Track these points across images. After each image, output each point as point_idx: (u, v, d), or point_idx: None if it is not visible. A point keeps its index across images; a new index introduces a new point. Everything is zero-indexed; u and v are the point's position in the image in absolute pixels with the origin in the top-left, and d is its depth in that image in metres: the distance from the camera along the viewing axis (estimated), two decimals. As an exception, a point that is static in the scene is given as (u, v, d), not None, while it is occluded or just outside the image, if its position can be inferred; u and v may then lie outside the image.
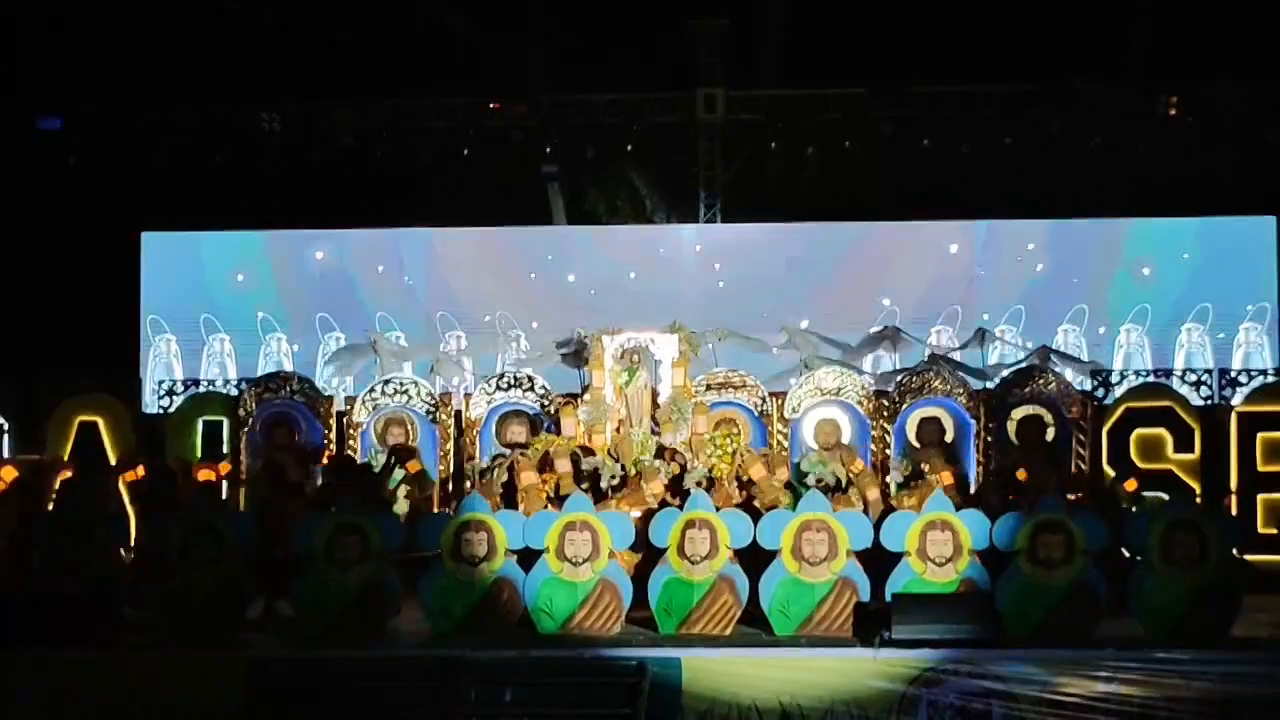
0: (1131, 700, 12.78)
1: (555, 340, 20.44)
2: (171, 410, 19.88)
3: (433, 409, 18.79)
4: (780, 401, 18.59)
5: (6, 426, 19.50)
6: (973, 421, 18.00)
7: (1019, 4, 24.30)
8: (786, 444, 18.27)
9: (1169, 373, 22.68)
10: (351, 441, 18.77)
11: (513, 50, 25.07)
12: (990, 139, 23.73)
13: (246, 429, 18.85)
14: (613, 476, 16.45)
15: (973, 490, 17.33)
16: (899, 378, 18.88)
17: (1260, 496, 17.81)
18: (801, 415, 18.23)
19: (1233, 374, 21.88)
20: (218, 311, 24.91)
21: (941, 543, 14.23)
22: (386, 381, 19.20)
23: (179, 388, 22.95)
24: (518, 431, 18.25)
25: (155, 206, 24.54)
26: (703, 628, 14.23)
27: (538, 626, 14.28)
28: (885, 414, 18.24)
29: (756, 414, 18.52)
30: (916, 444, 17.74)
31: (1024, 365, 20.07)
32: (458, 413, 19.00)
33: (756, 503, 16.06)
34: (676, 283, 24.33)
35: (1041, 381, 18.35)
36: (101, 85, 24.30)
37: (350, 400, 19.17)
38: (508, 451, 17.56)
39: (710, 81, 24.24)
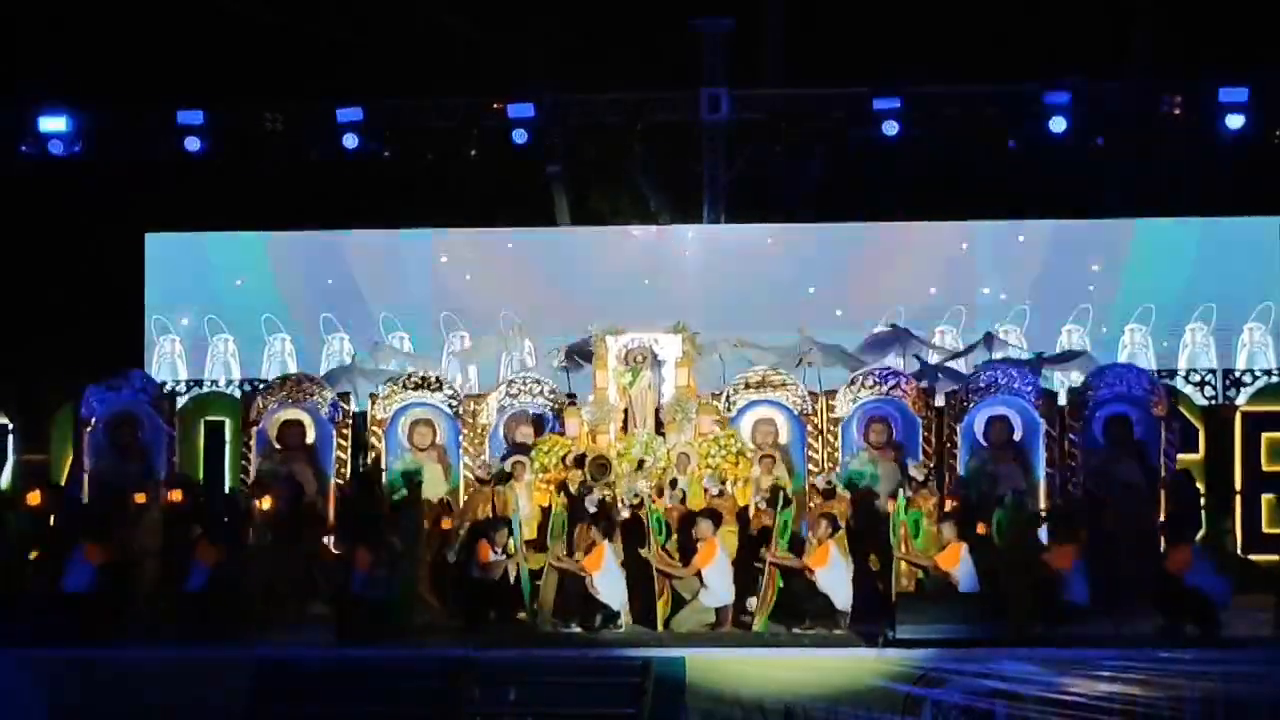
0: (1136, 699, 12.80)
1: (570, 348, 20.37)
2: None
3: (455, 404, 18.93)
4: (822, 401, 18.63)
5: (11, 426, 19.55)
6: (1041, 421, 17.95)
7: (1020, 3, 24.25)
8: (836, 444, 18.28)
9: (1173, 373, 22.71)
10: (375, 441, 18.84)
11: (514, 50, 25.02)
12: (993, 138, 23.67)
13: (256, 429, 18.96)
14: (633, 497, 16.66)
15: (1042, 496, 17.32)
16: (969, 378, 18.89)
17: (1265, 497, 17.81)
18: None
19: (1237, 374, 21.90)
20: (221, 312, 24.90)
21: None
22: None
23: (181, 388, 23.03)
24: (525, 433, 18.33)
25: (158, 207, 24.51)
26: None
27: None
28: (952, 413, 18.28)
29: (796, 413, 18.54)
30: (984, 443, 17.79)
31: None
32: (360, 413, 19.19)
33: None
34: (681, 283, 24.30)
35: (1124, 382, 18.37)
36: (104, 85, 24.27)
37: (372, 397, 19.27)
38: (517, 454, 17.69)
39: (713, 81, 24.21)
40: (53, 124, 23.95)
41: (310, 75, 24.72)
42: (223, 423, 19.75)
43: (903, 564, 15.21)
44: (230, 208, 24.75)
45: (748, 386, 18.78)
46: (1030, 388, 18.11)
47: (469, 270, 24.89)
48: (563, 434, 18.15)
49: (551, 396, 18.86)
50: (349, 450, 18.87)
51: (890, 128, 23.54)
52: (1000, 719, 12.81)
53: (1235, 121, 22.79)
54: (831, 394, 18.58)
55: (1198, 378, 22.78)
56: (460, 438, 18.72)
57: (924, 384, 18.88)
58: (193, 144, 24.03)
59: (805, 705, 12.90)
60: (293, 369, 23.53)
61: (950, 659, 12.98)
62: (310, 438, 18.84)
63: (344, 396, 19.55)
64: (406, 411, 18.83)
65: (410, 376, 19.16)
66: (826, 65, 24.19)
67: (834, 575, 15.00)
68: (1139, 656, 12.98)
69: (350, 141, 23.99)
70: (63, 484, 18.37)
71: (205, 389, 23.31)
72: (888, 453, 17.97)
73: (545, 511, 16.96)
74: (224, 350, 24.95)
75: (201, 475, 19.08)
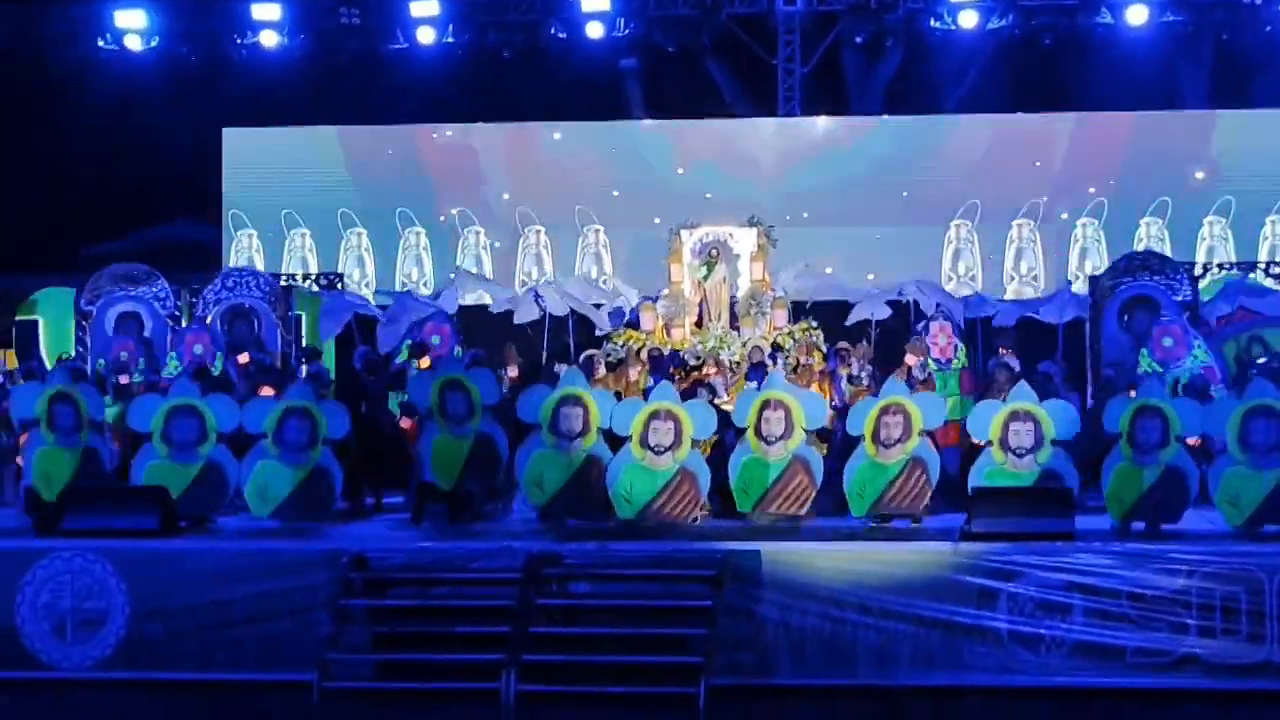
0: (1214, 593, 12.80)
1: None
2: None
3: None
4: None
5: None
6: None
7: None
8: None
9: (1253, 265, 22.51)
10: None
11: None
12: (1076, 32, 23.37)
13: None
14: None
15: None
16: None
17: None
18: None
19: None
20: (298, 207, 25.03)
21: (1023, 433, 14.26)
22: None
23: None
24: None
25: (235, 102, 24.58)
26: (778, 507, 14.37)
27: (617, 511, 14.46)
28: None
29: None
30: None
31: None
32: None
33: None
34: (755, 176, 24.22)
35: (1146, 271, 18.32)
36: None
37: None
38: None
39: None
40: (130, 19, 24.05)
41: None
42: (299, 316, 20.03)
43: None
44: (306, 103, 24.80)
45: None
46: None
47: (545, 165, 24.89)
48: (638, 328, 18.22)
49: None
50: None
51: (968, 19, 23.32)
52: (1077, 612, 12.86)
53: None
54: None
55: (1278, 270, 22.58)
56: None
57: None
58: (269, 39, 24.09)
59: (880, 599, 12.97)
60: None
61: (1025, 552, 13.01)
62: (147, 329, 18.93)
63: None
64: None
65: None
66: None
67: None
68: (1217, 550, 12.97)
69: (425, 36, 23.97)
70: None
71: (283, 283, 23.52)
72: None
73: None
74: (301, 245, 25.12)
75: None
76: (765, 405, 14.56)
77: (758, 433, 14.53)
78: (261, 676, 13.29)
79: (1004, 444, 14.30)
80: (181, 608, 13.49)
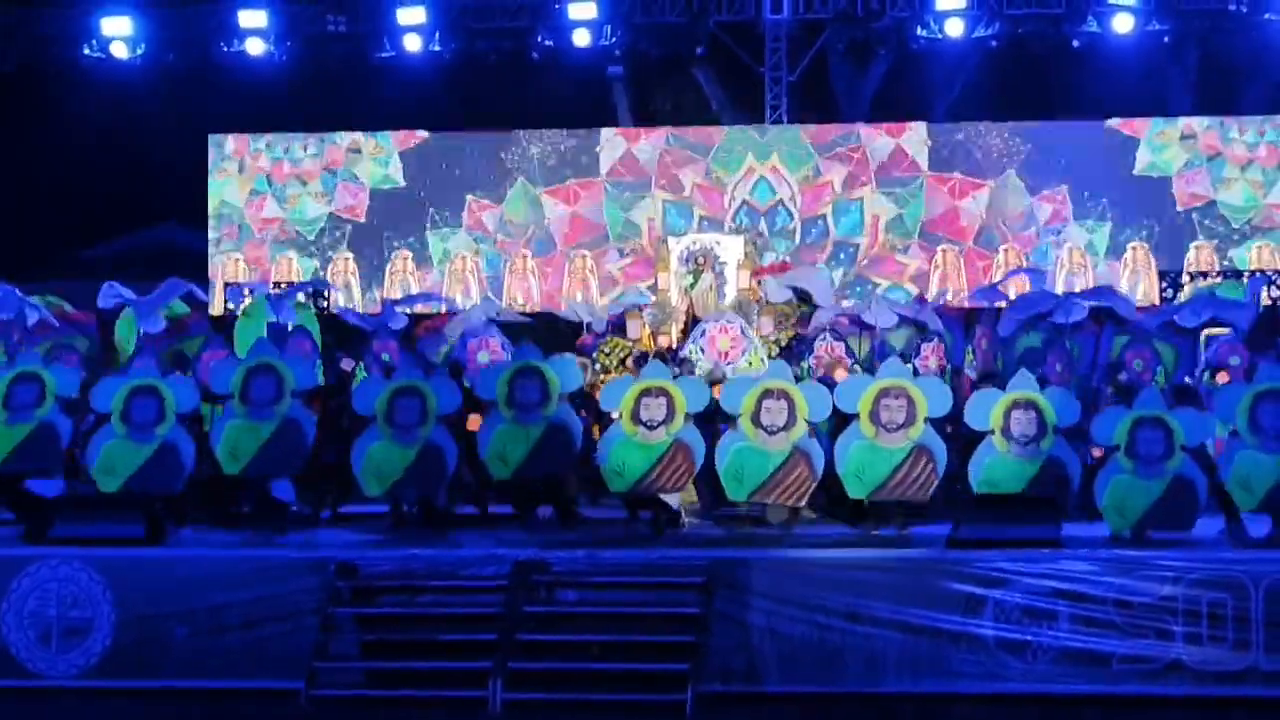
0: (1200, 600, 12.82)
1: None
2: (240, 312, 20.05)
3: None
4: None
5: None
6: None
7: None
8: None
9: (1239, 274, 22.49)
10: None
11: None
12: (1062, 40, 23.42)
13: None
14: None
15: None
16: None
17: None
18: None
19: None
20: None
21: (1026, 422, 14.27)
22: None
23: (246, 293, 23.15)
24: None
25: (222, 110, 24.58)
26: (777, 497, 14.34)
27: (608, 485, 14.49)
28: None
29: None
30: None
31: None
32: None
33: None
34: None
35: None
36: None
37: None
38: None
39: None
40: (116, 26, 24.03)
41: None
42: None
43: None
44: (292, 110, 24.79)
45: None
46: None
47: (532, 172, 24.92)
48: (624, 336, 18.20)
49: None
50: None
51: (954, 27, 23.37)
52: (1063, 619, 12.87)
53: None
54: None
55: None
56: None
57: None
58: (255, 46, 24.08)
59: (868, 606, 12.97)
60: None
61: (1012, 559, 13.02)
62: None
63: None
64: None
65: None
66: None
67: None
68: (1203, 557, 12.98)
69: (412, 43, 23.97)
70: None
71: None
72: None
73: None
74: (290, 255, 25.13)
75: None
76: (766, 394, 14.52)
77: (756, 421, 14.49)
78: (249, 684, 13.26)
79: (1006, 433, 14.32)
80: (168, 615, 13.46)
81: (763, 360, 16.44)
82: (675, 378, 15.02)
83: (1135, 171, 24.02)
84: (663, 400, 14.51)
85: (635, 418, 14.51)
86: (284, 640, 13.27)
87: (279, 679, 13.08)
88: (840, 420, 14.74)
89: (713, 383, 15.62)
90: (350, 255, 24.99)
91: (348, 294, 24.59)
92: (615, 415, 14.84)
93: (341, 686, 13.05)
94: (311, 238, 24.97)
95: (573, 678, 12.77)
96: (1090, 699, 12.79)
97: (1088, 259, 23.98)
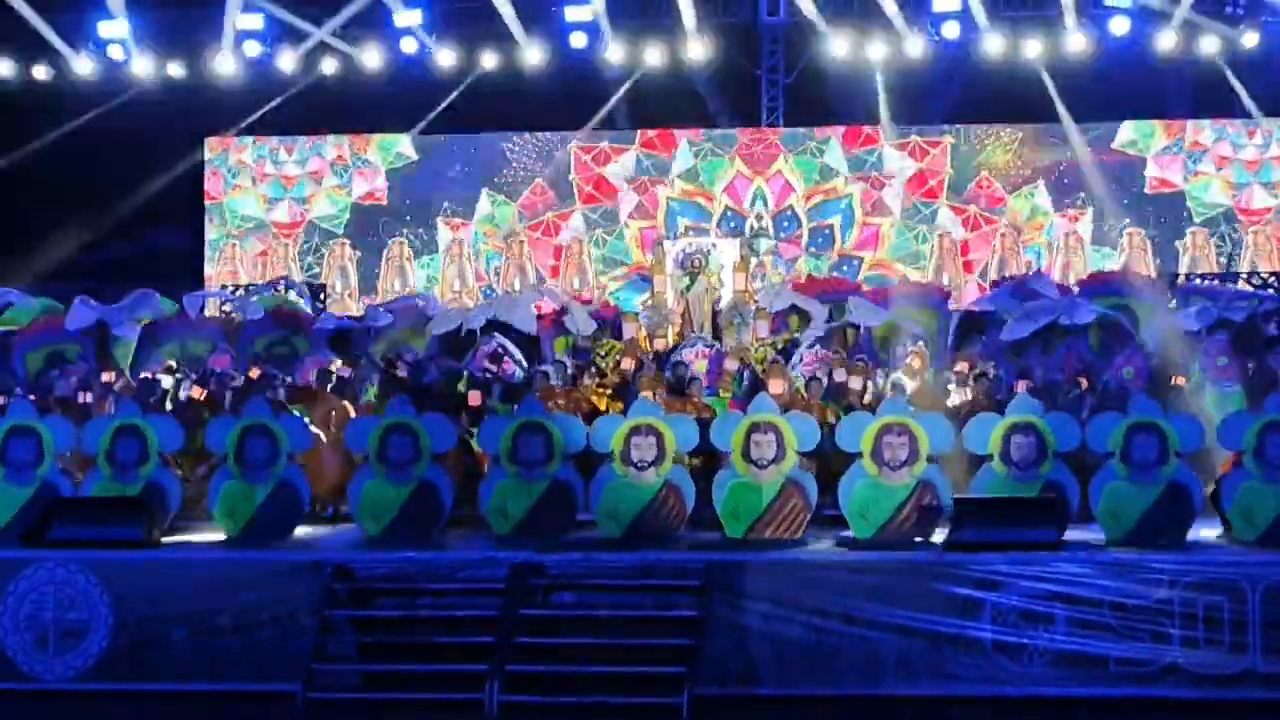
0: (1196, 603, 12.82)
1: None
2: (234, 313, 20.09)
3: None
4: None
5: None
6: None
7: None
8: None
9: (1235, 276, 22.57)
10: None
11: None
12: (1052, 41, 23.44)
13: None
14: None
15: None
16: None
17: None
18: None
19: None
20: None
21: (1025, 446, 14.22)
22: None
23: (241, 293, 23.21)
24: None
25: (218, 112, 24.60)
26: (772, 532, 14.27)
27: (601, 529, 14.43)
28: None
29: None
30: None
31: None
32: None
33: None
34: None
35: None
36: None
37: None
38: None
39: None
40: (113, 29, 24.01)
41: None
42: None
43: None
44: (288, 113, 24.80)
45: None
46: None
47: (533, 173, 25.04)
48: (619, 338, 18.22)
49: None
50: None
51: (951, 30, 23.38)
52: (1059, 622, 12.87)
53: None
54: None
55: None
56: None
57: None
58: (252, 49, 24.07)
59: (865, 609, 12.97)
60: (352, 275, 23.97)
61: (1009, 562, 13.02)
62: None
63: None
64: None
65: None
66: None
67: None
68: (1199, 560, 12.99)
69: (408, 46, 23.96)
70: None
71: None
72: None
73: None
74: (284, 254, 25.13)
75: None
76: (754, 429, 14.44)
77: (746, 456, 14.45)
78: (246, 687, 13.26)
79: (1005, 457, 14.26)
80: (165, 618, 13.46)
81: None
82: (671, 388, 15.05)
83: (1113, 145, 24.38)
84: (652, 440, 14.40)
85: (626, 459, 14.44)
86: (281, 643, 13.26)
87: (276, 681, 13.07)
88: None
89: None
90: (346, 241, 25.06)
91: (344, 281, 24.71)
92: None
93: (339, 689, 13.04)
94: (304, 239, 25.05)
95: (569, 680, 12.76)
96: (1087, 702, 12.79)
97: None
